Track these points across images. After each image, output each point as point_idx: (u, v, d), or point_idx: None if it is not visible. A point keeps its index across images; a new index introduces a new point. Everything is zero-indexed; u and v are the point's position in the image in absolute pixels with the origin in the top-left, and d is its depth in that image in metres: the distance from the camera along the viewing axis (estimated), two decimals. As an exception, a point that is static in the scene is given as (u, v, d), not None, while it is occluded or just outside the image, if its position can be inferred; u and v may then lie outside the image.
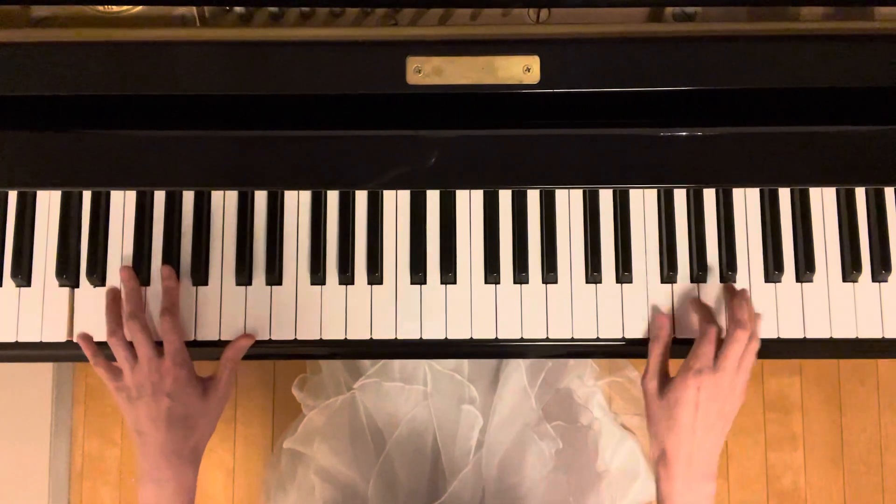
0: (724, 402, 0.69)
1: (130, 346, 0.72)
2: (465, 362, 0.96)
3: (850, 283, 0.77)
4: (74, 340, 0.75)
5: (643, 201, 0.79)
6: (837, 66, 0.70)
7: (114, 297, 0.75)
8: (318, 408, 1.00)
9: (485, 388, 0.96)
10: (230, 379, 0.74)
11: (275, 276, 0.77)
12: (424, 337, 0.76)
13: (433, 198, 0.78)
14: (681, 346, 0.75)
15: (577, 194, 0.79)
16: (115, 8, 0.75)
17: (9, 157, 0.72)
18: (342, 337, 0.76)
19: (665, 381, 0.71)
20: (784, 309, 0.77)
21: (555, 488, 0.93)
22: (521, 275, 0.77)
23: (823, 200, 0.79)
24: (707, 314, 0.73)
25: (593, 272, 0.77)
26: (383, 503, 0.91)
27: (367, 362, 0.98)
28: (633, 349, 0.77)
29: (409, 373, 0.96)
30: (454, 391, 0.95)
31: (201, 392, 0.72)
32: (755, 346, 0.71)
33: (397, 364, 0.96)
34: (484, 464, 0.92)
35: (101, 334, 0.76)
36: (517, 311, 0.77)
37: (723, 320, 0.77)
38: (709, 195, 0.79)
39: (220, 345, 0.76)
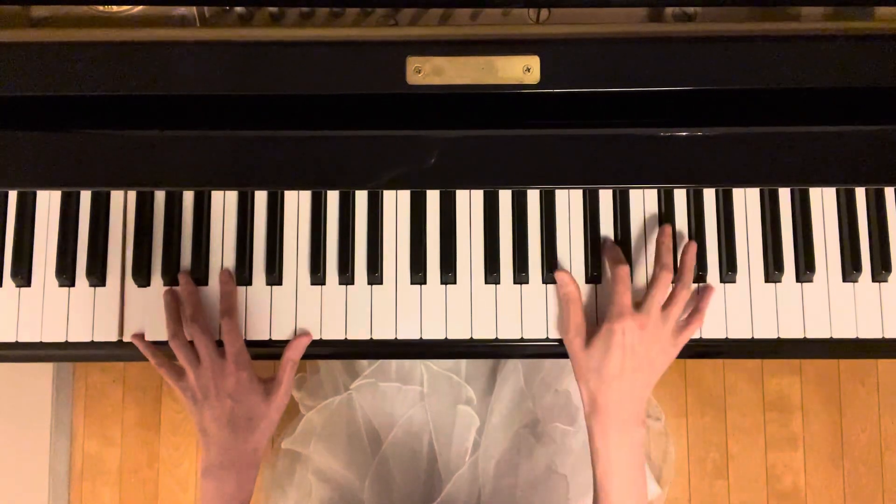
0: (650, 345, 0.70)
1: (191, 346, 0.73)
2: (462, 363, 0.96)
3: (850, 283, 0.77)
4: (127, 340, 0.76)
5: (643, 201, 0.79)
6: (837, 66, 0.70)
7: (172, 299, 0.76)
8: (316, 408, 1.00)
9: (482, 389, 0.96)
10: (290, 379, 0.75)
11: (275, 276, 0.77)
12: (424, 337, 0.76)
13: (433, 198, 0.78)
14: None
15: (577, 194, 0.79)
16: (115, 8, 0.75)
17: (9, 157, 0.72)
18: (342, 337, 0.76)
19: (587, 333, 0.72)
20: (784, 309, 0.77)
21: (552, 490, 0.93)
22: (521, 275, 0.77)
23: (823, 200, 0.79)
24: (615, 255, 0.74)
25: (593, 272, 0.77)
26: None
27: (364, 362, 0.98)
28: (633, 349, 0.77)
29: (406, 373, 0.96)
30: (451, 392, 0.95)
31: (263, 393, 0.73)
32: (685, 294, 0.72)
33: (394, 364, 0.96)
34: (480, 465, 0.92)
35: (100, 334, 0.76)
36: (517, 311, 0.77)
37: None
38: (709, 195, 0.79)
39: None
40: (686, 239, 0.78)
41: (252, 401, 0.72)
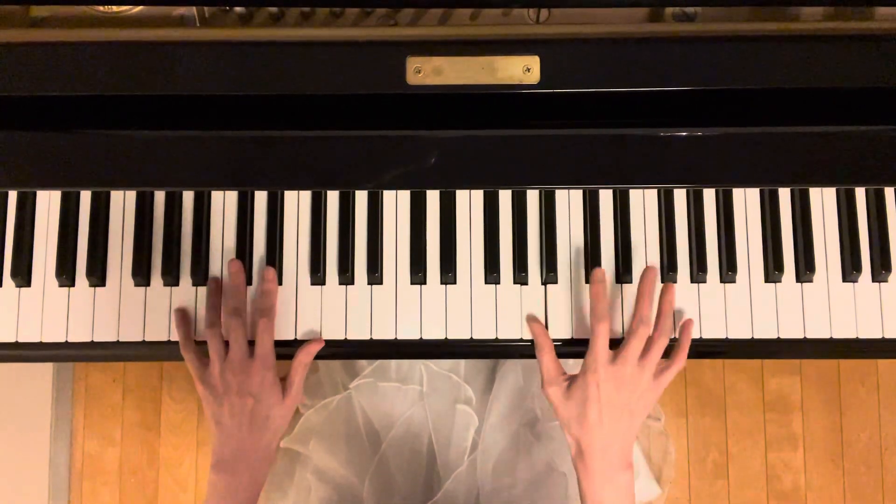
0: (629, 394, 0.70)
1: (222, 339, 0.73)
2: (461, 362, 0.96)
3: (850, 283, 0.77)
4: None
5: (643, 201, 0.79)
6: (837, 66, 0.70)
7: (215, 289, 0.76)
8: (315, 407, 1.00)
9: (481, 389, 0.96)
10: (302, 381, 0.75)
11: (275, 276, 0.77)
12: (424, 337, 0.76)
13: (433, 198, 0.78)
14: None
15: (577, 194, 0.79)
16: (115, 8, 0.75)
17: (9, 157, 0.72)
18: (342, 337, 0.76)
19: (564, 382, 0.72)
20: (784, 309, 0.77)
21: (550, 489, 0.93)
22: (520, 275, 0.77)
23: (823, 200, 0.79)
24: (599, 310, 0.73)
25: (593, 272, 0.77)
26: (379, 503, 0.91)
27: (363, 362, 0.98)
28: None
29: (405, 373, 0.96)
30: (450, 391, 0.95)
31: (281, 395, 0.73)
32: (663, 341, 0.72)
33: (393, 364, 0.96)
34: (479, 464, 0.92)
35: (100, 334, 0.76)
36: (517, 311, 0.77)
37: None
38: (709, 195, 0.79)
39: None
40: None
41: (271, 401, 0.72)
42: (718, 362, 1.64)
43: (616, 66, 0.71)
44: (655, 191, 0.79)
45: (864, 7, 0.74)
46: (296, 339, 0.76)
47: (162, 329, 0.76)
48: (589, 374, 0.70)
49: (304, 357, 0.75)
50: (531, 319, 0.76)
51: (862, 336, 0.76)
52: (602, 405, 0.69)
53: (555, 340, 0.76)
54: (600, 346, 0.70)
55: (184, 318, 0.76)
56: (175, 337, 0.76)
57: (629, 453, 0.71)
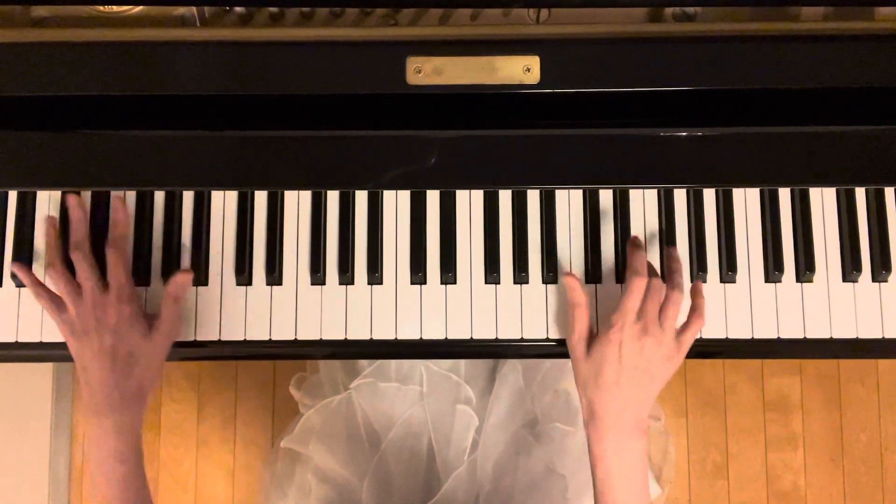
0: (651, 354, 0.68)
1: (72, 278, 0.72)
2: (461, 363, 0.96)
3: (850, 283, 0.77)
4: (11, 269, 0.75)
5: (643, 201, 0.79)
6: (837, 66, 0.70)
7: (54, 227, 0.76)
8: (315, 407, 1.00)
9: (481, 389, 0.96)
10: (174, 316, 0.73)
11: (275, 276, 0.77)
12: (424, 337, 0.76)
13: (433, 198, 0.78)
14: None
15: (577, 194, 0.79)
16: (115, 8, 0.75)
17: (9, 157, 0.72)
18: (342, 337, 0.76)
19: (591, 341, 0.71)
20: (784, 309, 0.77)
21: (550, 490, 0.93)
22: (521, 275, 0.77)
23: (823, 200, 0.79)
24: (637, 266, 0.71)
25: (593, 272, 0.77)
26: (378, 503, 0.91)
27: (364, 362, 0.98)
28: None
29: (406, 373, 0.96)
30: (450, 392, 0.95)
31: (146, 330, 0.71)
32: (677, 295, 0.71)
33: (393, 364, 0.96)
34: (479, 465, 0.92)
35: (101, 334, 0.76)
36: (517, 311, 0.77)
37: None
38: (709, 195, 0.79)
39: (221, 345, 0.76)
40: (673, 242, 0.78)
41: (134, 337, 0.70)
42: (718, 362, 1.64)
43: (616, 66, 0.71)
44: (655, 191, 0.79)
45: (864, 7, 0.74)
46: (295, 339, 0.76)
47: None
48: (613, 332, 0.68)
49: (172, 289, 0.73)
50: (567, 274, 0.73)
51: (862, 336, 0.76)
52: (623, 366, 0.67)
53: (555, 341, 0.76)
54: (631, 304, 0.68)
55: (23, 265, 0.74)
56: (176, 336, 0.76)
57: (644, 420, 0.69)
